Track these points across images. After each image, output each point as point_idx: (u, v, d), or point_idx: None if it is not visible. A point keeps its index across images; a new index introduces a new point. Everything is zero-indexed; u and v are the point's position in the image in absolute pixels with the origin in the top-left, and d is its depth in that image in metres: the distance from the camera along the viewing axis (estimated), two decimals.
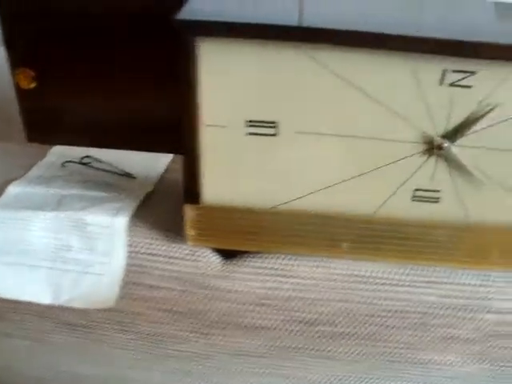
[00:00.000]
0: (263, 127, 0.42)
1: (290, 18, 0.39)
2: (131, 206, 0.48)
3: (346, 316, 0.46)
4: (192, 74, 0.39)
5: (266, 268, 0.47)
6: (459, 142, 0.42)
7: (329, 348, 0.48)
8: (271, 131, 0.42)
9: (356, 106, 0.40)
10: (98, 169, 0.54)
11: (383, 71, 0.39)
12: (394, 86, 0.40)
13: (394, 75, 0.39)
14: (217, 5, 0.41)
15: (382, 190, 0.44)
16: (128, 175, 0.53)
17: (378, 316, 0.46)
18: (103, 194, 0.49)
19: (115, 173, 0.53)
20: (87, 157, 0.54)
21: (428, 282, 0.47)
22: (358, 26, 0.38)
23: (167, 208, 0.49)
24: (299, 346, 0.48)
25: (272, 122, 0.42)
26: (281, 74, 0.40)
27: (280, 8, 0.42)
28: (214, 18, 0.38)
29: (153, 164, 0.54)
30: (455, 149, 0.42)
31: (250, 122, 0.42)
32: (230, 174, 0.44)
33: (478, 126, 0.41)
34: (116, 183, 0.52)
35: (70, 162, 0.54)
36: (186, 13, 0.38)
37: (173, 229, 0.47)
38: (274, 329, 0.47)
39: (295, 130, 0.42)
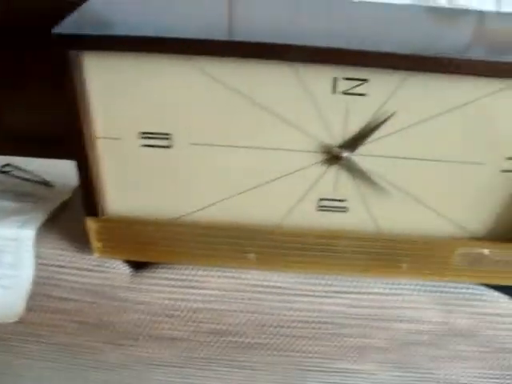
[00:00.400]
0: (157, 139, 0.41)
1: (178, 29, 0.38)
2: (40, 217, 0.48)
3: (255, 327, 0.46)
4: (78, 86, 0.38)
5: (173, 279, 0.46)
6: (359, 151, 0.41)
7: (241, 358, 0.48)
8: (165, 143, 0.41)
9: (250, 118, 0.40)
10: (17, 177, 0.53)
11: (273, 82, 0.38)
12: (286, 96, 0.39)
13: (284, 86, 0.38)
14: (104, 16, 0.40)
15: (285, 200, 0.43)
16: (46, 183, 0.52)
17: (288, 327, 0.46)
18: (14, 205, 0.49)
19: (34, 181, 0.52)
20: (7, 165, 0.54)
21: (338, 292, 0.46)
22: (243, 37, 0.37)
23: (80, 217, 0.49)
24: (211, 356, 0.48)
25: (165, 134, 0.41)
26: (170, 85, 0.39)
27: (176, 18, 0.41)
28: (95, 30, 0.37)
29: (73, 172, 0.53)
30: (356, 158, 0.41)
31: (143, 133, 0.41)
32: (130, 185, 0.43)
33: (376, 135, 0.40)
34: (33, 192, 0.51)
35: None
36: (64, 26, 0.37)
37: (83, 239, 0.47)
38: (185, 340, 0.47)
39: (189, 141, 0.41)
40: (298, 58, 0.36)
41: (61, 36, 0.36)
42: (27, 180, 0.53)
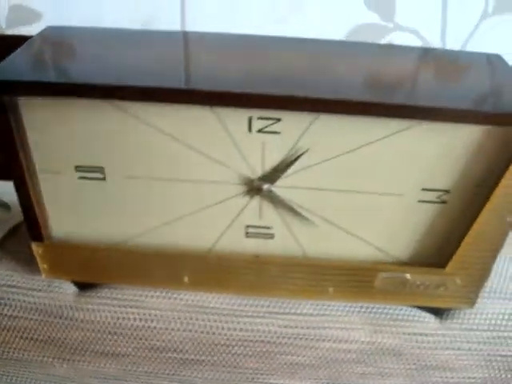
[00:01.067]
0: (92, 172, 0.44)
1: (103, 74, 0.41)
2: None
3: (191, 344, 0.49)
4: (15, 126, 0.41)
5: (115, 299, 0.49)
6: (279, 183, 0.43)
7: (181, 373, 0.51)
8: (100, 175, 0.44)
9: (175, 154, 0.42)
10: None
11: (194, 123, 0.41)
12: (206, 134, 0.41)
13: (204, 126, 0.41)
14: (35, 62, 0.43)
15: (213, 228, 0.46)
16: (3, 205, 0.55)
17: (223, 345, 0.49)
18: None
19: None
20: None
21: (269, 312, 0.49)
22: (163, 82, 0.39)
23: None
24: (152, 370, 0.51)
25: (99, 167, 0.44)
26: (97, 125, 0.41)
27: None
28: (26, 76, 0.40)
29: None
30: (276, 189, 0.43)
31: (79, 167, 0.44)
32: (71, 214, 0.46)
33: (294, 168, 0.42)
34: None
35: None
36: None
37: (33, 261, 0.50)
38: (128, 355, 0.50)
39: (122, 174, 0.44)
40: (213, 102, 0.39)
41: None
42: None
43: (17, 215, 0.55)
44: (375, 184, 0.43)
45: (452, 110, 0.38)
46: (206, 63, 0.43)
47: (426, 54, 0.49)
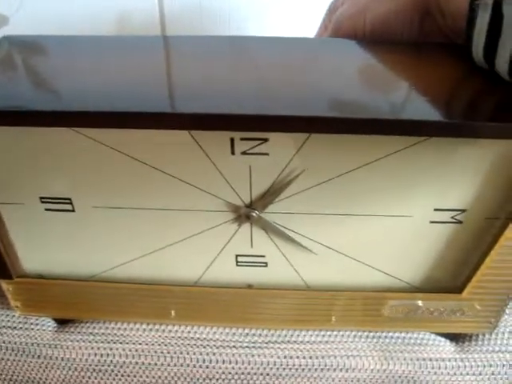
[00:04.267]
0: (59, 203, 0.39)
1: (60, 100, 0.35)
2: None
3: (184, 380, 0.44)
4: None
5: (97, 334, 0.45)
6: (271, 208, 0.38)
7: None
8: (68, 207, 0.39)
9: (151, 182, 0.37)
10: None
11: (170, 148, 0.35)
12: (185, 161, 0.36)
13: (181, 150, 0.35)
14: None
15: (200, 259, 0.41)
16: None
17: (219, 379, 0.44)
18: None
19: None
20: None
21: (267, 342, 0.44)
22: (130, 105, 0.33)
23: None
24: None
25: (66, 199, 0.38)
26: (62, 153, 0.36)
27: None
28: None
29: None
30: (268, 215, 0.38)
31: (44, 198, 0.38)
32: (40, 247, 0.42)
33: (286, 193, 0.37)
34: None
35: None
36: None
37: (6, 297, 0.45)
38: None
39: (91, 204, 0.39)
40: (190, 127, 0.33)
41: None
42: None
43: None
44: (380, 206, 0.37)
45: (461, 124, 0.32)
46: (181, 76, 0.37)
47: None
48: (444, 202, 0.37)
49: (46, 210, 0.39)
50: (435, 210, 0.37)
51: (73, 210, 0.39)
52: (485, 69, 0.35)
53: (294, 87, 0.35)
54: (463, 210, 0.37)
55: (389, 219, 0.38)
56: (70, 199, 0.38)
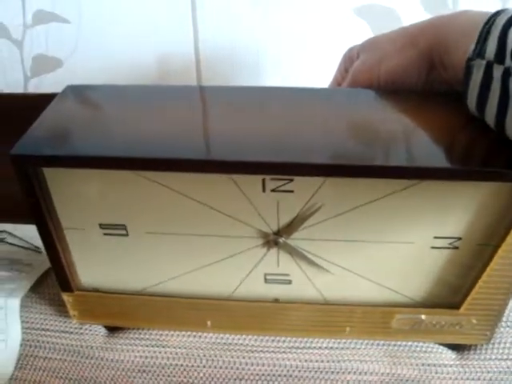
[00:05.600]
0: (115, 229, 0.46)
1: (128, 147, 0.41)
2: (26, 285, 0.54)
3: (217, 380, 0.51)
4: (40, 193, 0.43)
5: (143, 339, 0.52)
6: (295, 235, 0.44)
7: None
8: (123, 232, 0.46)
9: (194, 213, 0.44)
10: (11, 244, 0.59)
11: (212, 187, 0.42)
12: (224, 196, 0.42)
13: (221, 189, 0.42)
14: (57, 133, 0.43)
15: (233, 276, 0.48)
16: (36, 250, 0.58)
17: (247, 379, 0.51)
18: (5, 274, 0.55)
19: (25, 248, 0.58)
20: (3, 231, 0.59)
21: (291, 347, 0.51)
22: (182, 152, 0.40)
23: None
24: None
25: (121, 225, 0.45)
26: (120, 190, 0.43)
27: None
28: (49, 150, 0.41)
29: None
30: (292, 241, 0.45)
31: (103, 225, 0.45)
32: (97, 266, 0.48)
33: (308, 223, 0.43)
34: (24, 258, 0.57)
35: None
36: (22, 146, 0.41)
37: (65, 304, 0.53)
38: None
39: (144, 230, 0.45)
40: (229, 171, 0.40)
41: (18, 156, 0.40)
42: (19, 247, 0.58)
43: (47, 261, 0.57)
44: (386, 234, 0.44)
45: (456, 170, 0.38)
46: (219, 126, 0.43)
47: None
48: (442, 230, 0.43)
49: (104, 234, 0.46)
50: (435, 237, 0.44)
51: (127, 235, 0.46)
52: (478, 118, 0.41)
53: (316, 136, 0.41)
54: (459, 238, 0.43)
55: (395, 245, 0.44)
56: (124, 225, 0.45)
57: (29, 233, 0.60)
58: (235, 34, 0.62)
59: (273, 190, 0.42)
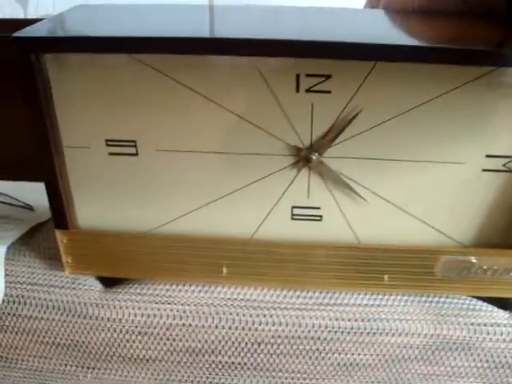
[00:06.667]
0: (124, 146, 0.40)
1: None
2: (12, 235, 0.47)
3: (231, 344, 0.43)
4: (41, 92, 0.38)
5: (145, 295, 0.44)
6: (330, 152, 0.39)
7: (216, 380, 0.45)
8: (132, 150, 0.40)
9: (215, 122, 0.38)
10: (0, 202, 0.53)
11: (237, 88, 0.37)
12: (251, 100, 0.38)
13: (248, 90, 0.37)
14: (62, 23, 0.40)
15: (257, 209, 0.42)
16: (27, 207, 0.52)
17: (268, 343, 0.43)
18: None
19: (13, 205, 0.52)
20: None
21: (318, 304, 0.44)
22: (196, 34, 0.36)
23: (54, 238, 0.48)
24: (190, 378, 0.45)
25: (131, 141, 0.40)
26: (131, 89, 0.38)
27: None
28: (50, 34, 0.37)
29: None
30: (326, 160, 0.39)
31: (110, 141, 0.40)
32: (99, 197, 0.42)
33: (346, 134, 0.38)
34: (14, 215, 0.51)
35: None
36: (25, 32, 0.37)
37: (56, 258, 0.46)
38: (160, 360, 0.45)
39: (156, 147, 0.40)
40: (256, 51, 0.35)
41: (19, 39, 0.36)
42: (11, 205, 0.52)
43: (41, 216, 0.51)
44: (434, 151, 0.39)
45: None
46: (236, 23, 0.40)
47: None
48: (495, 147, 0.38)
49: (110, 154, 0.40)
50: (487, 156, 0.39)
51: (136, 154, 0.40)
52: None
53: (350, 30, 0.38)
54: None
55: (442, 166, 0.39)
56: (134, 141, 0.40)
57: (20, 193, 0.54)
58: None
59: (308, 90, 0.37)
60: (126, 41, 0.35)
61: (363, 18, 0.44)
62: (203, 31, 0.39)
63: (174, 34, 0.35)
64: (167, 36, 0.35)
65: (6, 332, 0.45)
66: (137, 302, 0.44)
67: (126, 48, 0.35)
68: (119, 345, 0.44)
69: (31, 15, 0.61)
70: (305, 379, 0.45)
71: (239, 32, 0.36)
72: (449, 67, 0.35)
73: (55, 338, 0.45)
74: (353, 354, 0.44)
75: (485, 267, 0.42)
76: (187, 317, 0.43)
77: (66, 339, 0.45)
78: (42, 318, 0.44)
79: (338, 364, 0.44)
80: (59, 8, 0.60)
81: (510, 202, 0.40)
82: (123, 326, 0.44)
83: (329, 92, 0.37)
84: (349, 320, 0.43)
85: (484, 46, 0.34)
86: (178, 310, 0.44)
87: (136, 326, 0.44)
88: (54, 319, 0.44)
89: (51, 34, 0.37)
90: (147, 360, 0.45)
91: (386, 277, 0.43)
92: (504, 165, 0.39)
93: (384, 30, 0.40)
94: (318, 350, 0.43)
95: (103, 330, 0.44)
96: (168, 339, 0.44)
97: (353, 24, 0.41)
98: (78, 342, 0.45)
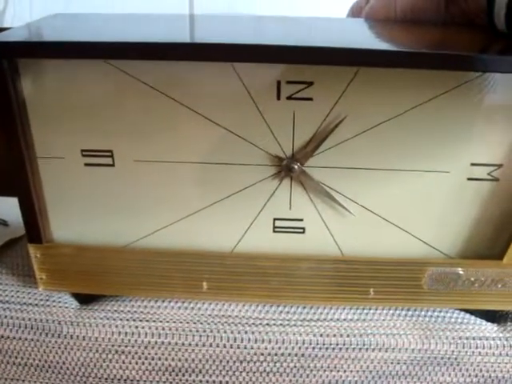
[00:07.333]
0: (100, 157, 0.39)
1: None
2: None
3: (213, 363, 0.42)
4: (14, 98, 0.36)
5: (122, 312, 0.42)
6: (312, 162, 0.38)
7: None
8: (108, 160, 0.39)
9: (194, 131, 0.37)
10: None
11: (218, 96, 0.36)
12: (232, 108, 0.37)
13: (229, 99, 0.36)
14: (40, 29, 0.39)
15: (237, 222, 0.40)
16: (0, 222, 0.50)
17: (251, 361, 0.42)
18: None
19: None
20: None
21: (302, 320, 0.42)
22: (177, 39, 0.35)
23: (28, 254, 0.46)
24: None
25: (107, 151, 0.39)
26: (107, 96, 0.37)
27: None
28: (24, 39, 0.36)
29: None
30: (309, 170, 0.38)
31: (86, 151, 0.39)
32: (74, 210, 0.41)
33: (328, 143, 0.37)
34: None
35: None
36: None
37: (29, 275, 0.44)
38: (138, 380, 0.43)
39: (133, 158, 0.39)
40: (235, 57, 0.34)
41: None
42: None
43: (16, 231, 0.49)
44: (418, 160, 0.38)
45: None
46: (216, 30, 0.39)
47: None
48: (480, 155, 0.38)
49: (86, 164, 0.39)
50: (472, 164, 0.38)
51: (113, 165, 0.39)
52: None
53: (336, 37, 0.37)
54: (499, 165, 0.38)
55: (427, 175, 0.38)
56: (111, 151, 0.39)
57: None
58: None
59: (289, 98, 0.36)
60: (100, 45, 0.34)
61: (346, 27, 0.43)
62: (182, 37, 0.38)
63: (151, 40, 0.34)
64: (144, 41, 0.34)
65: None
66: (114, 319, 0.42)
67: (101, 53, 0.34)
68: (95, 365, 0.42)
69: (8, 25, 0.60)
70: None
71: (219, 38, 0.35)
72: (433, 73, 0.35)
73: (28, 358, 0.43)
74: (338, 371, 0.42)
75: (472, 279, 0.41)
76: (167, 334, 0.42)
77: (40, 360, 0.43)
78: (14, 338, 0.42)
79: (323, 382, 0.42)
80: (36, 18, 0.60)
81: (496, 211, 0.39)
82: (100, 345, 0.42)
83: (311, 99, 0.36)
84: (334, 336, 0.41)
85: (467, 52, 0.33)
86: (157, 328, 0.42)
87: (113, 345, 0.42)
88: (26, 338, 0.42)
89: (25, 39, 0.36)
90: (125, 380, 0.43)
91: (371, 290, 0.42)
92: (489, 173, 0.38)
93: (367, 37, 0.40)
94: (302, 367, 0.42)
95: (79, 350, 0.42)
96: (147, 358, 0.42)
97: (335, 32, 0.41)
98: (52, 362, 0.43)
